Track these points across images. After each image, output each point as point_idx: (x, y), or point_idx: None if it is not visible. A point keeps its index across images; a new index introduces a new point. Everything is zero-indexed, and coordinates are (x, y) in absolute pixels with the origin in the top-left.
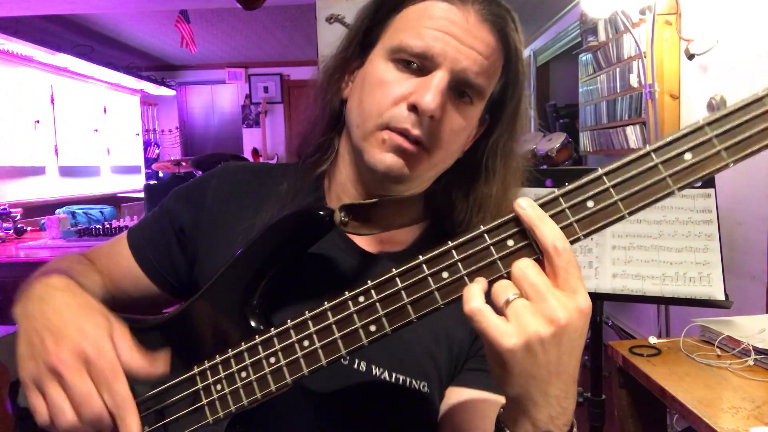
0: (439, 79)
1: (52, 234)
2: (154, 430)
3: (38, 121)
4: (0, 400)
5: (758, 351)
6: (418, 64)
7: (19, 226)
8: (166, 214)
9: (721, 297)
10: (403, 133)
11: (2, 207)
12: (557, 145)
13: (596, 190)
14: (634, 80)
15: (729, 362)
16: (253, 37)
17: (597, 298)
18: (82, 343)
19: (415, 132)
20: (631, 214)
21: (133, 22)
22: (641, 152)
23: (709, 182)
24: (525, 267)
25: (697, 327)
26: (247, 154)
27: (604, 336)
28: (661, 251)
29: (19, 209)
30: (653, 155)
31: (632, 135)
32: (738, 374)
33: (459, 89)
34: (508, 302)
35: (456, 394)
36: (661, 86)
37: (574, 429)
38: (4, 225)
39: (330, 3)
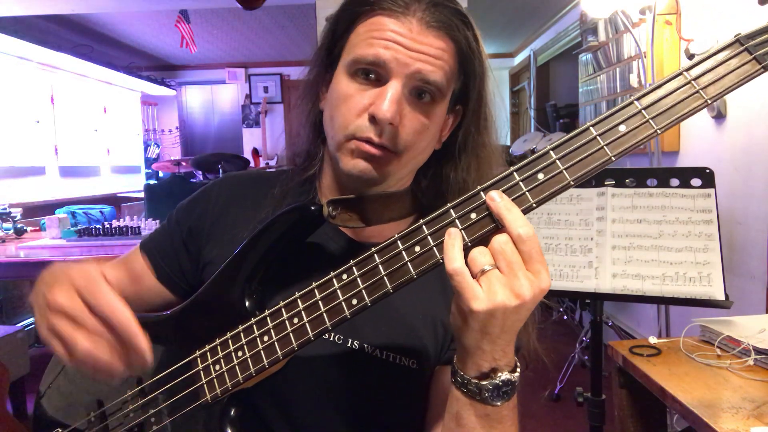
0: (393, 88)
1: (52, 234)
2: (156, 413)
3: (38, 121)
4: (0, 400)
5: (758, 351)
6: (375, 74)
7: (19, 226)
8: (175, 224)
9: (721, 297)
10: (368, 141)
11: (2, 207)
12: None
13: (545, 164)
14: (634, 80)
15: (729, 362)
16: (253, 37)
17: (597, 298)
18: (69, 278)
19: (378, 139)
20: (576, 181)
21: (133, 22)
22: (582, 128)
23: (709, 182)
24: (504, 243)
25: (697, 327)
26: (247, 154)
27: (604, 336)
28: (661, 251)
29: (19, 209)
30: (592, 129)
31: None
32: (738, 374)
33: (418, 91)
34: (484, 272)
35: (442, 373)
36: None
37: (518, 369)
38: (4, 225)
39: (330, 3)
